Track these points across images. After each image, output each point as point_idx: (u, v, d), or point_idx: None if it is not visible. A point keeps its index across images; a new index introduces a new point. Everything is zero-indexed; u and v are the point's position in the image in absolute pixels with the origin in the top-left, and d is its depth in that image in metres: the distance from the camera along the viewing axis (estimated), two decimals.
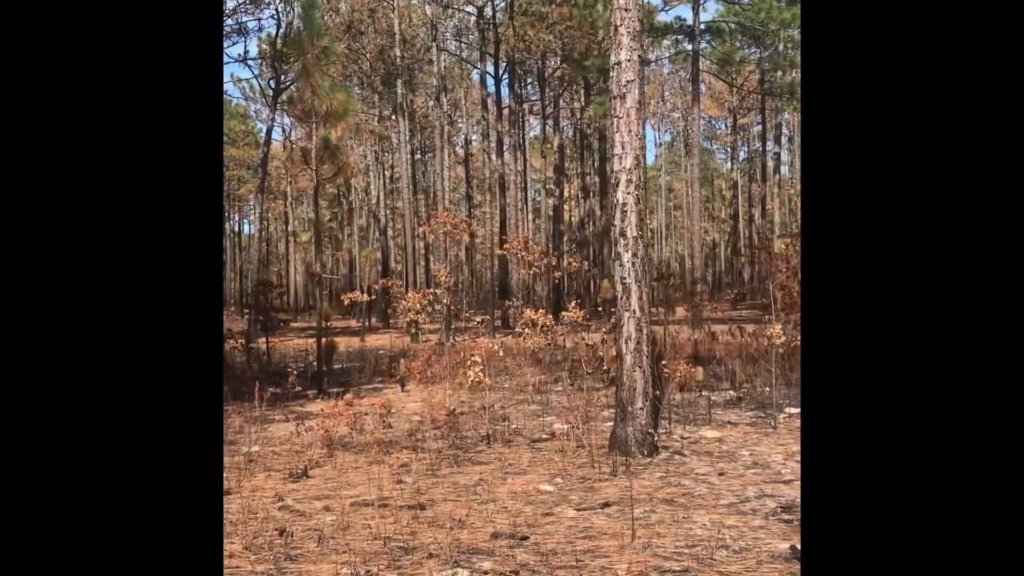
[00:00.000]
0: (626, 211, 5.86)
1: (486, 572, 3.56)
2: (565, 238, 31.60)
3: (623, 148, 5.87)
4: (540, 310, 12.02)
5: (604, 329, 10.89)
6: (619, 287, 5.91)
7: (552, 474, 5.50)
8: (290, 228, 53.91)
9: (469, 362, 7.74)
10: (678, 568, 3.54)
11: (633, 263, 5.84)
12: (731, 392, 9.24)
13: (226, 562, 3.79)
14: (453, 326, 19.66)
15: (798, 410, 7.87)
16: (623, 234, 5.87)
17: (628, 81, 5.85)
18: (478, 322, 16.26)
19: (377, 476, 5.58)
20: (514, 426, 7.31)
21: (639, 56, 5.94)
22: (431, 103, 37.02)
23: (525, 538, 4.05)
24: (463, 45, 32.36)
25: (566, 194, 34.75)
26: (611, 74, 6.01)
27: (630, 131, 5.86)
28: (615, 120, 5.93)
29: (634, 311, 5.83)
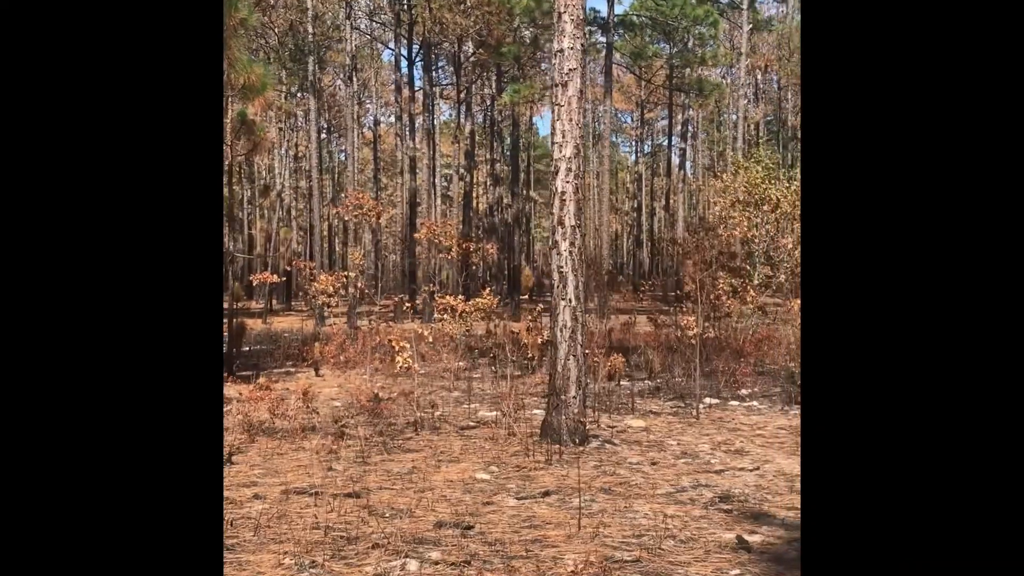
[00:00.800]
0: (564, 200, 5.85)
1: (436, 563, 3.49)
2: (474, 224, 31.53)
3: (563, 136, 5.85)
4: (459, 296, 11.95)
5: (529, 317, 10.90)
6: (556, 275, 5.91)
7: (486, 462, 5.46)
8: None
9: (397, 347, 7.60)
10: (629, 558, 3.55)
11: (570, 252, 5.84)
12: (648, 382, 9.40)
13: None
14: (358, 310, 19.38)
15: (717, 400, 8.06)
16: (561, 223, 5.87)
17: (571, 69, 5.83)
18: (387, 307, 16.07)
19: (305, 463, 5.43)
20: (439, 412, 7.23)
21: (581, 45, 5.93)
22: (339, 82, 36.34)
23: (470, 527, 3.99)
24: (376, 24, 31.83)
25: (476, 180, 34.69)
26: (553, 61, 5.98)
27: (571, 119, 5.85)
28: (556, 108, 5.90)
29: (570, 300, 5.83)
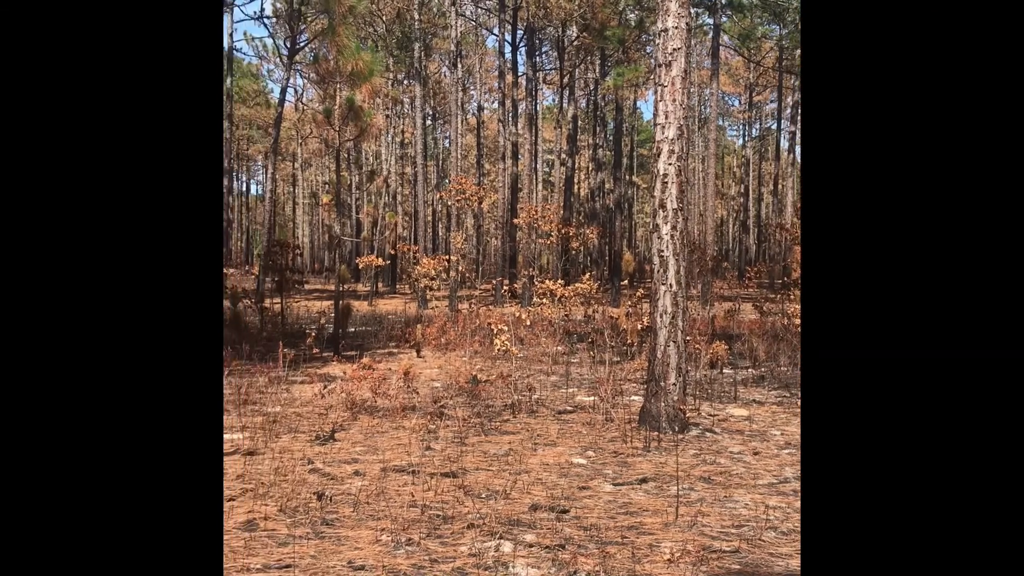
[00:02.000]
0: (667, 182, 5.73)
1: (531, 545, 3.49)
2: (575, 210, 31.40)
3: (666, 118, 5.73)
4: (559, 280, 11.91)
5: (629, 302, 10.78)
6: (656, 260, 5.80)
7: (583, 447, 5.43)
8: (299, 190, 53.78)
9: (497, 330, 7.64)
10: (728, 548, 3.47)
11: (672, 236, 5.72)
12: (752, 370, 9.16)
13: (261, 524, 3.73)
14: (459, 293, 19.58)
15: None
16: (663, 206, 5.75)
17: (675, 49, 5.70)
18: (487, 290, 16.17)
19: (404, 442, 5.51)
20: (536, 396, 7.23)
21: (687, 24, 5.78)
22: (444, 69, 36.72)
23: (565, 511, 3.97)
24: (480, 10, 31.96)
25: (578, 165, 34.51)
26: (656, 41, 5.85)
27: (674, 100, 5.72)
28: (659, 89, 5.78)
29: (671, 285, 5.72)
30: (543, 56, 34.09)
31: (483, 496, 4.23)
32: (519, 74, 27.02)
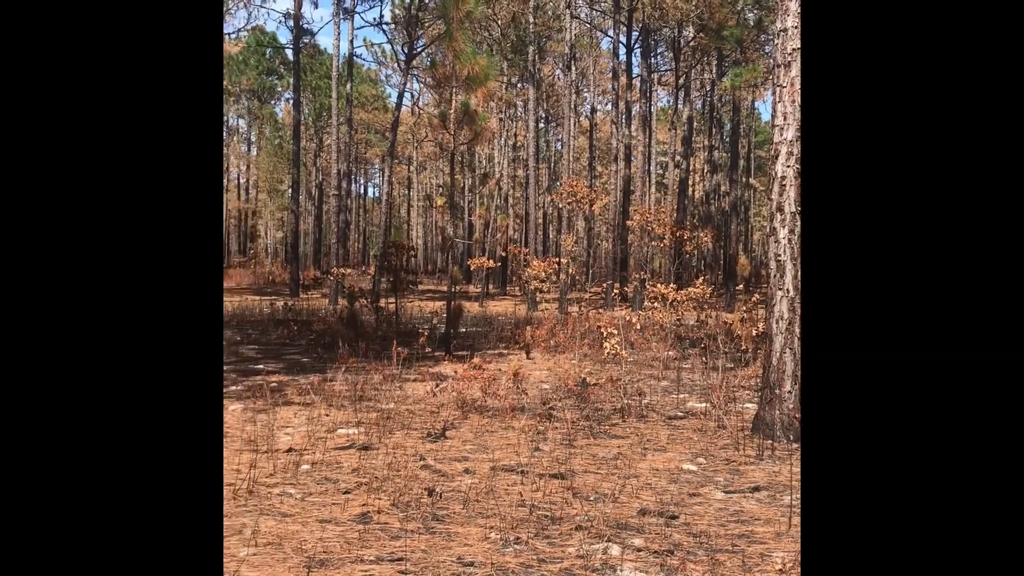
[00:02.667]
0: (784, 185, 5.59)
1: (639, 549, 3.47)
2: (689, 212, 30.93)
3: (784, 119, 5.59)
4: (671, 284, 11.77)
5: (744, 307, 10.56)
6: (773, 264, 5.67)
7: (694, 453, 5.35)
8: (414, 192, 54.93)
9: (606, 334, 7.62)
10: None
11: (789, 240, 5.58)
12: None
13: (375, 517, 3.84)
14: (568, 296, 19.57)
15: None
16: (780, 209, 5.62)
17: (794, 49, 5.55)
18: (597, 293, 16.11)
19: (513, 442, 5.56)
20: (647, 401, 7.17)
21: None
22: (558, 71, 36.80)
23: (674, 517, 3.93)
24: (595, 12, 31.89)
25: (692, 168, 33.99)
26: (775, 41, 5.72)
27: (793, 101, 5.57)
28: (777, 90, 5.65)
29: (787, 290, 5.58)
30: (658, 57, 33.72)
31: (591, 499, 4.23)
32: (633, 76, 26.82)
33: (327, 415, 6.38)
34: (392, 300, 12.73)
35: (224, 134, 51.40)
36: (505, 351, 11.32)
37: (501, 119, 35.27)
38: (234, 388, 7.66)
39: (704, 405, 7.02)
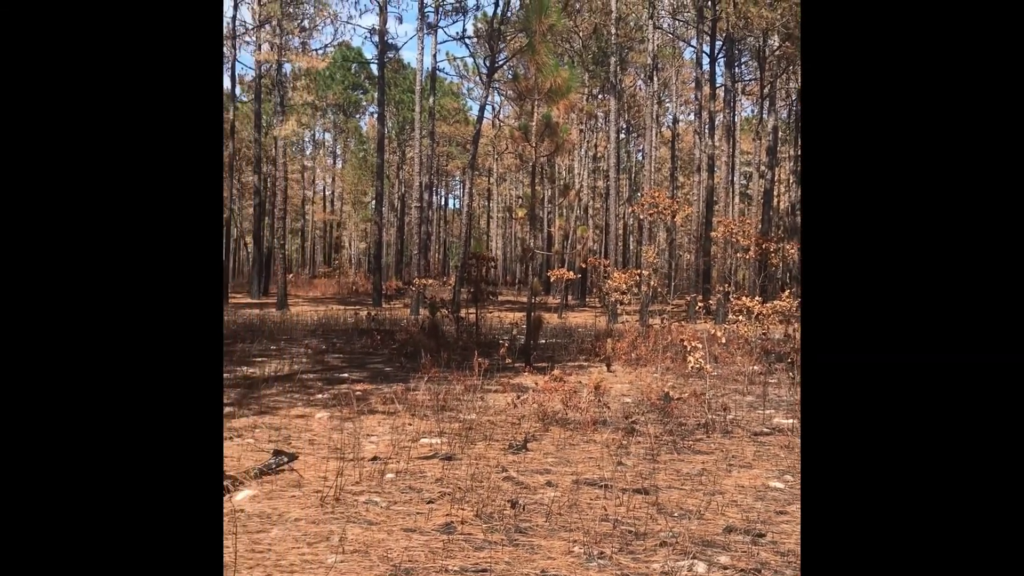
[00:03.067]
0: None
1: (725, 567, 3.40)
2: (774, 224, 30.34)
3: None
4: (756, 297, 11.55)
5: None
6: None
7: (780, 470, 5.23)
8: (493, 204, 55.33)
9: (690, 347, 7.52)
10: None
11: None
12: None
13: (458, 527, 3.86)
14: (650, 308, 19.38)
15: None
16: None
17: None
18: (680, 306, 15.90)
19: (595, 455, 5.53)
20: (731, 416, 7.04)
21: None
22: (640, 82, 36.60)
23: (761, 535, 3.84)
24: (678, 22, 31.64)
25: (777, 178, 33.34)
26: None
27: None
28: None
29: None
30: (742, 67, 33.25)
31: (676, 515, 4.17)
32: (717, 85, 26.48)
33: (410, 424, 6.45)
34: (472, 311, 12.83)
35: (311, 147, 52.74)
36: (585, 363, 11.27)
37: (582, 130, 35.25)
38: (320, 396, 7.83)
39: (791, 421, 6.85)
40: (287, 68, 27.73)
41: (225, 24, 31.41)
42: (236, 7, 27.69)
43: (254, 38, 28.03)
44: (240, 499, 4.21)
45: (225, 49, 30.56)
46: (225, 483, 4.33)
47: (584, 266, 27.10)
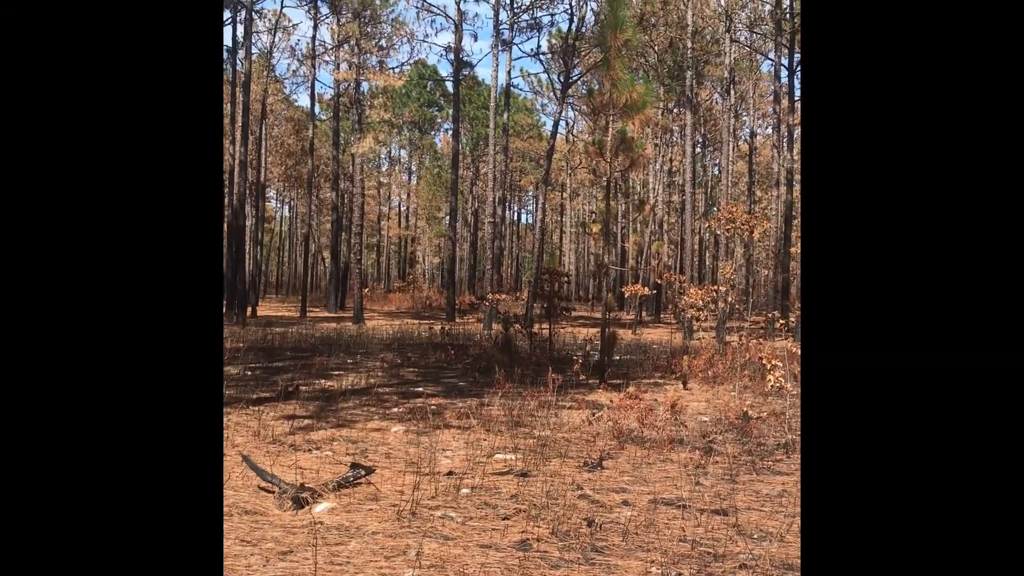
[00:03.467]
0: None
1: None
2: None
3: None
4: None
5: None
6: None
7: None
8: (566, 218, 55.31)
9: (769, 365, 7.36)
10: None
11: None
12: None
13: (534, 544, 3.84)
14: (727, 325, 19.05)
15: None
16: None
17: None
18: (758, 323, 15.60)
19: (672, 475, 5.45)
20: None
21: None
22: (716, 96, 36.20)
23: None
24: (756, 35, 31.21)
25: None
26: None
27: None
28: None
29: None
30: None
31: (756, 536, 4.07)
32: (795, 98, 25.99)
33: (484, 439, 6.46)
34: (546, 326, 12.81)
35: (387, 164, 53.61)
36: (661, 381, 11.14)
37: (657, 144, 35.01)
38: (396, 410, 7.91)
39: None
40: (364, 86, 28.29)
41: (305, 44, 32.25)
42: (316, 28, 28.39)
43: (333, 58, 28.68)
44: (319, 511, 4.28)
45: (304, 69, 31.38)
46: (304, 495, 4.40)
47: (659, 282, 26.84)
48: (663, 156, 36.21)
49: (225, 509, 4.27)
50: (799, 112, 26.00)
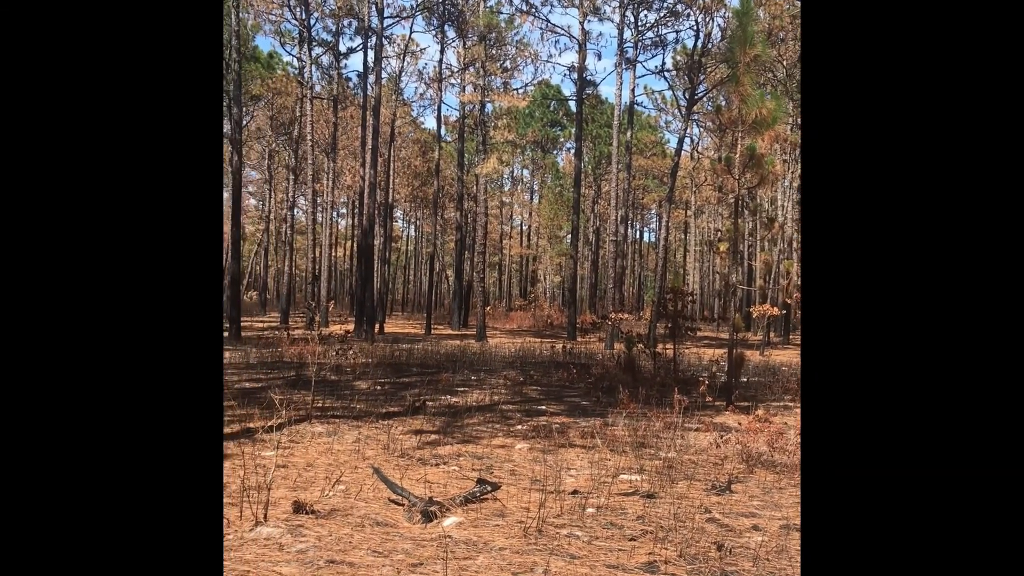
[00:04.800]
0: None
1: None
2: None
3: None
4: None
5: None
6: None
7: None
8: (690, 236, 54.50)
9: None
10: None
11: None
12: None
13: (662, 567, 3.78)
14: None
15: None
16: None
17: None
18: None
19: None
20: None
21: None
22: None
23: None
24: None
25: None
26: None
27: None
28: None
29: None
30: None
31: None
32: None
33: (609, 460, 6.42)
34: (670, 346, 12.63)
35: (509, 183, 54.29)
36: (791, 404, 10.79)
37: (786, 160, 34.08)
38: (519, 427, 7.97)
39: None
40: (489, 108, 28.77)
41: (432, 68, 33.06)
42: (442, 51, 29.10)
43: (459, 80, 29.33)
44: (448, 525, 4.35)
45: (431, 92, 32.20)
46: (433, 508, 4.49)
47: (789, 302, 26.04)
48: (792, 172, 35.20)
49: (358, 520, 4.41)
50: None
